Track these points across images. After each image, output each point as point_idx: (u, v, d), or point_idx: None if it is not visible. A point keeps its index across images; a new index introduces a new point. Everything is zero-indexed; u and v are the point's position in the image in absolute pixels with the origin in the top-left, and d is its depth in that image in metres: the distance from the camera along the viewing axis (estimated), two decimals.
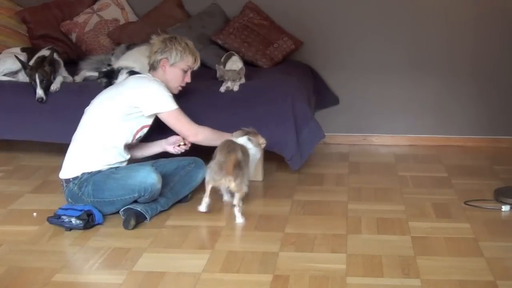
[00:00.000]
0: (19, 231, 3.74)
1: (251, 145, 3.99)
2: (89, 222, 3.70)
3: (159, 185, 3.77)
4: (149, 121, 3.98)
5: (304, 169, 4.60)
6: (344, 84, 5.44)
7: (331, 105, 5.46)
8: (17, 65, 4.75)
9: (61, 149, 4.11)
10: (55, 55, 4.78)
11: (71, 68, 4.99)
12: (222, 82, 4.55)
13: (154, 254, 3.43)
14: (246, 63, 4.87)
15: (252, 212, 3.97)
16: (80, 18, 5.52)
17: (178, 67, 4.03)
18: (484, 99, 5.36)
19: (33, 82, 4.58)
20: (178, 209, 4.00)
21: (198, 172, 4.08)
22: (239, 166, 3.77)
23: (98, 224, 3.76)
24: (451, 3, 5.30)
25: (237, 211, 3.81)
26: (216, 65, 4.68)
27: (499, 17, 5.25)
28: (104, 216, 3.82)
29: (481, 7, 5.26)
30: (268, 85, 4.61)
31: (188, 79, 4.10)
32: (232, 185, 3.77)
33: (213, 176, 3.81)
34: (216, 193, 4.10)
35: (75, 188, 3.82)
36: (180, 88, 4.11)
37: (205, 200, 3.89)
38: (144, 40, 4.64)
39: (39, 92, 4.55)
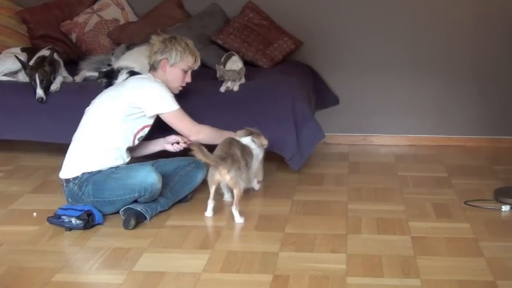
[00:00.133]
0: (19, 231, 3.74)
1: (254, 146, 4.01)
2: (89, 222, 3.70)
3: (159, 185, 3.77)
4: (150, 121, 3.98)
5: (304, 169, 4.60)
6: (344, 84, 5.44)
7: (331, 105, 5.46)
8: (17, 65, 4.75)
9: (61, 149, 4.11)
10: (55, 55, 4.78)
11: (71, 68, 4.99)
12: (222, 82, 4.55)
13: (154, 254, 3.43)
14: (246, 63, 4.87)
15: (252, 212, 3.98)
16: (80, 18, 5.52)
17: (178, 67, 4.04)
18: (484, 99, 5.36)
19: (33, 82, 4.58)
20: (178, 209, 4.00)
21: (198, 172, 4.09)
22: (236, 160, 3.78)
23: (98, 224, 3.76)
24: (451, 3, 5.29)
25: (235, 211, 3.81)
26: (216, 65, 4.68)
27: (499, 17, 5.25)
28: (104, 216, 3.82)
29: (481, 7, 5.26)
30: (268, 85, 4.61)
31: (188, 79, 4.10)
32: (227, 178, 3.77)
33: (210, 172, 3.82)
34: (217, 193, 4.10)
35: (75, 188, 3.82)
36: (180, 88, 4.11)
37: (209, 203, 3.89)
38: (144, 40, 4.64)
39: (39, 92, 4.55)
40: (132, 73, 4.36)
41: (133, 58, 4.55)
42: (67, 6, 5.60)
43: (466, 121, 5.42)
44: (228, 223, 3.83)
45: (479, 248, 3.45)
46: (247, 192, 4.08)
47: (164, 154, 4.20)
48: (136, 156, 4.16)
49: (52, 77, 4.66)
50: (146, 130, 4.00)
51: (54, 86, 4.65)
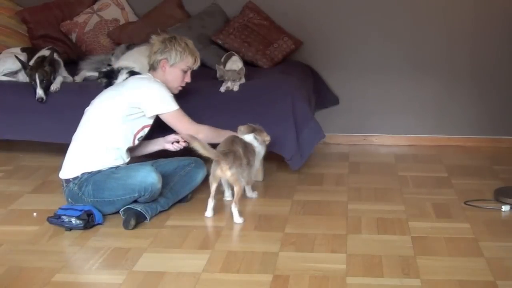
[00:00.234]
0: (19, 231, 3.74)
1: (257, 144, 4.01)
2: (89, 222, 3.70)
3: (159, 185, 3.78)
4: (150, 121, 3.98)
5: (304, 169, 4.60)
6: (344, 84, 5.44)
7: (331, 105, 5.46)
8: (17, 65, 4.75)
9: (61, 149, 4.11)
10: (55, 55, 4.78)
11: (71, 68, 4.99)
12: (222, 82, 4.55)
13: (154, 254, 3.43)
14: (246, 63, 4.87)
15: (252, 212, 3.98)
16: (80, 18, 5.52)
17: (178, 67, 4.03)
18: (484, 99, 5.36)
19: (33, 82, 4.58)
20: (178, 209, 4.00)
21: (198, 172, 4.09)
22: (238, 157, 3.78)
23: (98, 224, 3.76)
24: (450, 3, 5.29)
25: (235, 209, 3.80)
26: (216, 65, 4.68)
27: (498, 17, 5.25)
28: (104, 216, 3.82)
29: (480, 7, 5.26)
30: (268, 85, 4.61)
31: (188, 79, 4.10)
32: (228, 174, 3.77)
33: (212, 169, 3.82)
34: (217, 193, 4.10)
35: (75, 188, 3.82)
36: (180, 88, 4.11)
37: (209, 202, 3.89)
38: (144, 40, 4.64)
39: (39, 92, 4.55)
40: (132, 73, 4.36)
41: (133, 58, 4.55)
42: (67, 6, 5.60)
43: (466, 121, 5.42)
44: (228, 223, 3.83)
45: (479, 248, 3.45)
46: (244, 195, 4.08)
47: (164, 154, 4.20)
48: (136, 155, 4.16)
49: (52, 77, 4.66)
50: (146, 130, 4.00)
51: (54, 86, 4.65)
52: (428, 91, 5.40)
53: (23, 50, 5.02)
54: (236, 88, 4.51)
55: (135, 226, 3.72)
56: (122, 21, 5.52)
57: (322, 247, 3.48)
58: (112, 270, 3.27)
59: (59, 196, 4.03)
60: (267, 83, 4.65)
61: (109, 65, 4.75)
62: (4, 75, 4.87)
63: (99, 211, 3.78)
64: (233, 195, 3.91)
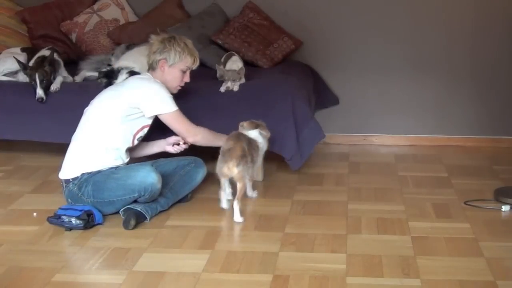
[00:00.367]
0: (19, 231, 3.74)
1: (261, 139, 4.01)
2: (89, 222, 3.70)
3: (159, 185, 3.77)
4: (149, 121, 3.98)
5: (304, 169, 4.60)
6: (344, 84, 5.44)
7: (331, 105, 5.46)
8: (17, 65, 4.74)
9: (61, 149, 4.11)
10: (55, 55, 4.78)
11: (71, 68, 4.99)
12: (222, 82, 4.55)
13: (154, 254, 3.43)
14: (246, 63, 4.87)
15: (252, 212, 3.98)
16: (80, 18, 5.52)
17: (177, 67, 4.03)
18: (484, 99, 5.36)
19: (33, 82, 4.58)
20: (178, 209, 4.00)
21: (197, 172, 4.09)
22: (243, 154, 3.78)
23: (98, 224, 3.76)
24: (450, 3, 5.29)
25: (236, 206, 3.81)
26: (216, 65, 4.68)
27: (498, 17, 5.24)
28: (104, 216, 3.82)
29: (480, 7, 5.26)
30: (268, 85, 4.61)
31: (187, 79, 4.10)
32: (235, 172, 3.78)
33: (218, 166, 3.83)
34: (217, 192, 4.10)
35: (75, 188, 3.82)
36: (179, 88, 4.11)
37: (222, 194, 3.92)
38: (144, 40, 4.64)
39: (39, 92, 4.55)
40: (132, 73, 4.36)
41: (133, 58, 4.55)
42: (67, 6, 5.60)
43: (466, 121, 5.42)
44: (228, 223, 3.83)
45: (479, 248, 3.45)
46: (245, 194, 4.08)
47: (164, 154, 4.20)
48: (136, 157, 4.15)
49: (52, 77, 4.66)
50: (146, 130, 4.00)
51: (54, 86, 4.65)
52: (428, 91, 5.41)
53: (23, 50, 5.03)
54: (236, 88, 4.51)
55: (135, 226, 3.72)
56: (122, 21, 5.52)
57: (322, 247, 3.48)
58: (112, 270, 3.27)
59: (59, 196, 4.03)
60: (267, 83, 4.65)
61: (109, 65, 4.75)
62: (4, 75, 4.87)
63: (99, 211, 3.77)
64: (233, 194, 3.91)
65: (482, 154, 5.18)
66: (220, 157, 3.85)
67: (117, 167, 3.88)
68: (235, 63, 4.68)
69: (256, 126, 4.03)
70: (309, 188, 4.40)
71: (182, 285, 3.11)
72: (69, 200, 3.87)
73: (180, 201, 4.06)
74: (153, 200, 3.85)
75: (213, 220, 3.86)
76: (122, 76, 4.38)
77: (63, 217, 3.68)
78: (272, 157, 4.49)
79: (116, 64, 4.55)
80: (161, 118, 3.97)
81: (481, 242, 3.52)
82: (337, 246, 3.48)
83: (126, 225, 3.70)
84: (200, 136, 4.02)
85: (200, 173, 4.10)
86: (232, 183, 3.93)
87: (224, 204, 3.93)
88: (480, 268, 3.24)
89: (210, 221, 3.85)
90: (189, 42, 4.09)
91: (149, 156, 4.21)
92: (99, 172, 3.83)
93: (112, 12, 5.54)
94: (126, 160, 3.97)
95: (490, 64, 5.31)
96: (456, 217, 3.89)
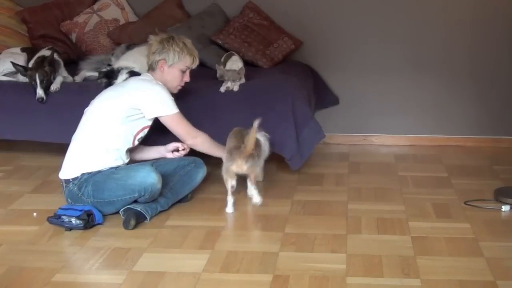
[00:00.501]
0: (19, 231, 3.74)
1: (263, 139, 4.01)
2: (89, 222, 3.70)
3: (159, 185, 3.77)
4: (150, 122, 3.98)
5: (304, 169, 4.60)
6: (344, 84, 5.44)
7: (331, 105, 5.45)
8: None
9: (61, 149, 4.11)
10: (55, 55, 4.79)
11: (71, 68, 4.99)
12: (222, 82, 4.55)
13: (154, 254, 3.43)
14: (246, 63, 4.87)
15: (252, 212, 3.98)
16: (80, 18, 5.52)
17: (177, 67, 4.03)
18: (484, 99, 5.36)
19: (33, 82, 4.59)
20: (178, 209, 4.00)
21: (197, 172, 4.09)
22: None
23: (98, 224, 3.76)
24: (450, 3, 5.29)
25: (255, 190, 3.88)
26: (216, 65, 4.68)
27: (498, 17, 5.24)
28: (104, 216, 3.82)
29: (480, 7, 5.25)
30: (268, 85, 4.61)
31: (187, 78, 4.10)
32: (245, 168, 3.78)
33: (225, 164, 3.83)
34: (217, 192, 4.11)
35: (75, 188, 3.82)
36: (179, 88, 4.11)
37: (229, 199, 3.91)
38: (144, 40, 4.62)
39: (39, 92, 4.56)
40: (132, 73, 4.36)
41: (133, 58, 4.55)
42: (67, 6, 5.60)
43: (466, 121, 5.42)
44: (228, 223, 3.83)
45: (479, 248, 3.45)
46: (244, 193, 4.09)
47: None
48: (135, 160, 4.15)
49: (52, 77, 4.66)
50: (146, 131, 4.00)
51: (54, 86, 4.65)
52: (428, 91, 5.40)
53: (23, 50, 5.03)
54: (236, 88, 4.51)
55: (135, 226, 3.72)
56: (122, 21, 5.52)
57: (322, 247, 3.48)
58: (112, 270, 3.27)
59: (59, 196, 4.03)
60: (267, 83, 4.65)
61: (109, 65, 4.75)
62: (4, 75, 4.87)
63: (99, 211, 3.77)
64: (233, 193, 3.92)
65: (482, 154, 5.18)
66: (227, 156, 3.84)
67: (117, 167, 3.88)
68: (235, 63, 4.68)
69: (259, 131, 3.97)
70: (309, 188, 4.40)
71: (182, 285, 3.11)
72: (69, 200, 3.86)
73: (180, 201, 4.06)
74: (153, 200, 3.85)
75: (213, 220, 3.86)
76: (122, 76, 4.37)
77: (63, 217, 3.69)
78: (272, 157, 4.48)
79: (116, 64, 4.54)
80: (161, 120, 3.97)
81: (481, 242, 3.52)
82: (337, 246, 3.48)
83: (126, 225, 3.70)
84: (199, 139, 4.02)
85: (200, 173, 4.10)
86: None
87: (230, 209, 3.92)
88: (480, 268, 3.24)
89: (210, 221, 3.85)
90: (188, 42, 4.09)
91: None
92: (99, 172, 3.83)
93: (112, 12, 5.54)
94: (127, 160, 3.97)
95: (490, 64, 5.31)
96: (456, 217, 3.89)
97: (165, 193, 3.92)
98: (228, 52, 4.92)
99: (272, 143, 4.18)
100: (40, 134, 4.68)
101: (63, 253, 3.50)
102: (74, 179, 3.83)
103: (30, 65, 4.72)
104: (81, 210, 3.70)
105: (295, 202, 4.13)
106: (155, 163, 4.06)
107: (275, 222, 3.82)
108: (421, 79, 5.39)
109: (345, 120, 5.48)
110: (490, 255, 3.37)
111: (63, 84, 4.73)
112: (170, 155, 4.14)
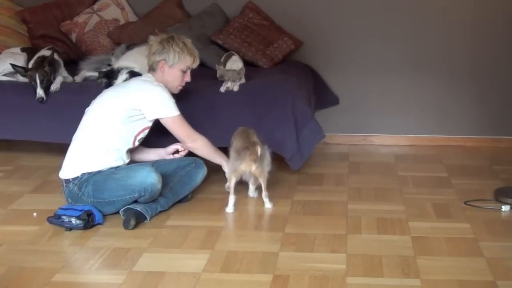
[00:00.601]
0: (19, 231, 3.74)
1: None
2: (89, 222, 3.70)
3: (159, 185, 3.77)
4: (151, 123, 3.98)
5: (304, 169, 4.60)
6: (344, 84, 5.44)
7: (331, 105, 5.45)
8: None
9: (61, 149, 4.11)
10: (55, 55, 4.79)
11: (71, 68, 4.99)
12: (222, 82, 4.55)
13: (154, 254, 3.43)
14: (246, 63, 4.87)
15: (252, 212, 3.97)
16: (80, 18, 5.52)
17: (177, 67, 4.03)
18: (484, 99, 5.36)
19: (33, 82, 4.59)
20: (178, 209, 4.00)
21: (198, 172, 4.09)
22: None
23: (98, 224, 3.76)
24: (450, 3, 5.29)
25: (265, 197, 3.91)
26: (216, 65, 4.68)
27: (498, 17, 5.24)
28: (104, 216, 3.82)
29: (480, 7, 5.26)
30: (268, 85, 4.61)
31: (187, 78, 4.10)
32: (253, 168, 3.78)
33: (233, 164, 3.82)
34: (217, 192, 4.11)
35: (75, 188, 3.82)
36: (180, 87, 4.11)
37: (231, 198, 3.91)
38: (144, 40, 4.61)
39: (39, 92, 4.56)
40: (132, 73, 4.36)
41: (133, 58, 4.55)
42: (67, 6, 5.61)
43: (466, 121, 5.42)
44: (228, 223, 3.83)
45: (479, 248, 3.45)
46: (245, 193, 4.09)
47: None
48: (134, 160, 4.15)
49: (52, 77, 4.67)
50: (146, 131, 4.00)
51: (54, 86, 4.65)
52: (428, 91, 5.40)
53: (23, 50, 5.03)
54: (236, 88, 4.51)
55: (135, 226, 3.72)
56: (122, 21, 5.52)
57: (322, 247, 3.48)
58: (112, 270, 3.27)
59: (59, 196, 4.02)
60: (267, 83, 4.65)
61: (109, 65, 4.75)
62: (4, 75, 4.87)
63: (99, 211, 3.77)
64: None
65: (482, 154, 5.18)
66: (234, 155, 3.85)
67: (117, 167, 3.88)
68: (235, 63, 4.68)
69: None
70: (309, 188, 4.40)
71: (182, 285, 3.11)
72: (69, 200, 3.86)
73: (180, 201, 4.05)
74: (153, 200, 3.84)
75: (213, 220, 3.86)
76: (122, 76, 4.37)
77: (63, 217, 3.68)
78: (272, 157, 4.48)
79: (116, 64, 4.54)
80: (162, 121, 3.97)
81: (481, 242, 3.52)
82: (337, 246, 3.48)
83: (126, 225, 3.70)
84: (199, 143, 4.02)
85: (200, 174, 4.10)
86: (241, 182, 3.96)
87: (231, 209, 3.92)
88: (480, 268, 3.24)
89: (210, 221, 3.85)
90: (188, 42, 4.09)
91: None
92: (99, 172, 3.83)
93: (112, 12, 5.54)
94: (127, 160, 3.97)
95: (490, 64, 5.31)
96: (456, 217, 3.89)
97: (165, 193, 3.92)
98: (228, 52, 4.92)
99: (272, 143, 4.17)
100: (40, 134, 4.68)
101: (63, 253, 3.50)
102: (74, 179, 3.83)
103: (30, 65, 4.72)
104: (81, 210, 3.70)
105: (295, 202, 4.13)
106: (155, 163, 4.06)
107: (275, 222, 3.82)
108: (421, 79, 5.39)
109: (345, 120, 5.48)
110: (490, 255, 3.37)
111: (63, 84, 4.73)
112: (169, 157, 4.14)
